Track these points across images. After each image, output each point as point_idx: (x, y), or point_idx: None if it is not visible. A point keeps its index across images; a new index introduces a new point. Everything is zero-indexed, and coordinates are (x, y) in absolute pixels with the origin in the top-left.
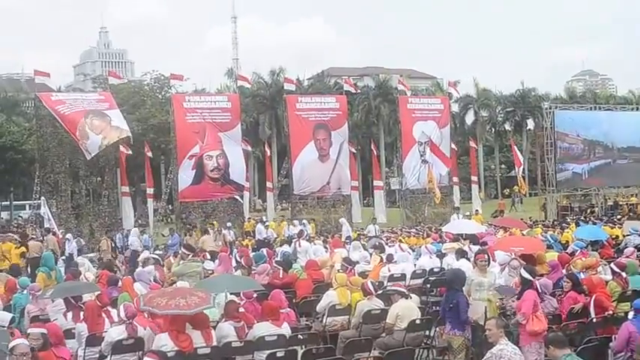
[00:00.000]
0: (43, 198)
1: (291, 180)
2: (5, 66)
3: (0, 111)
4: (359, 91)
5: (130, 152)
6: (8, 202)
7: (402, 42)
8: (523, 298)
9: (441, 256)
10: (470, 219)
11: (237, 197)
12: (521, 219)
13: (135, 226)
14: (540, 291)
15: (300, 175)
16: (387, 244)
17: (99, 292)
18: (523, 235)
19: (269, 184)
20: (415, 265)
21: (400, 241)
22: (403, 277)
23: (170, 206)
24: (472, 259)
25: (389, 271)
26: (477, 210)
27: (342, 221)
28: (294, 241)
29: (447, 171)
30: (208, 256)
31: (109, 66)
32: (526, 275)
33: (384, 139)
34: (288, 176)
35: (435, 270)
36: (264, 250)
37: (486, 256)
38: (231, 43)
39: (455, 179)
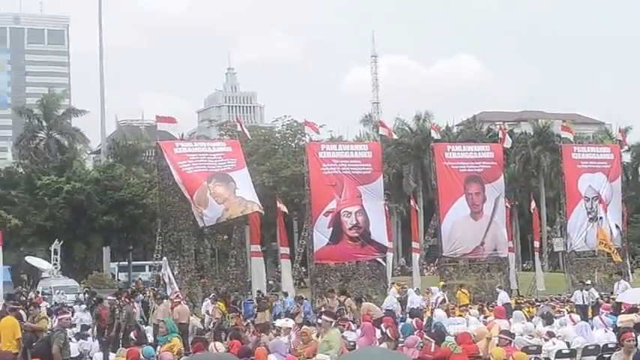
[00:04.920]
0: (165, 258)
1: (439, 240)
2: (123, 111)
3: (119, 161)
4: (512, 140)
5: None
6: (127, 262)
7: (564, 82)
8: None
9: (617, 329)
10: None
11: (380, 260)
12: None
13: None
14: None
15: (450, 234)
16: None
17: None
18: None
19: (415, 244)
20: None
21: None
22: (573, 353)
23: (304, 268)
24: None
25: (553, 345)
26: None
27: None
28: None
29: (618, 231)
30: (353, 327)
31: (235, 111)
32: None
33: (545, 193)
34: (437, 235)
35: (610, 346)
36: (413, 321)
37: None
38: (371, 85)
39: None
